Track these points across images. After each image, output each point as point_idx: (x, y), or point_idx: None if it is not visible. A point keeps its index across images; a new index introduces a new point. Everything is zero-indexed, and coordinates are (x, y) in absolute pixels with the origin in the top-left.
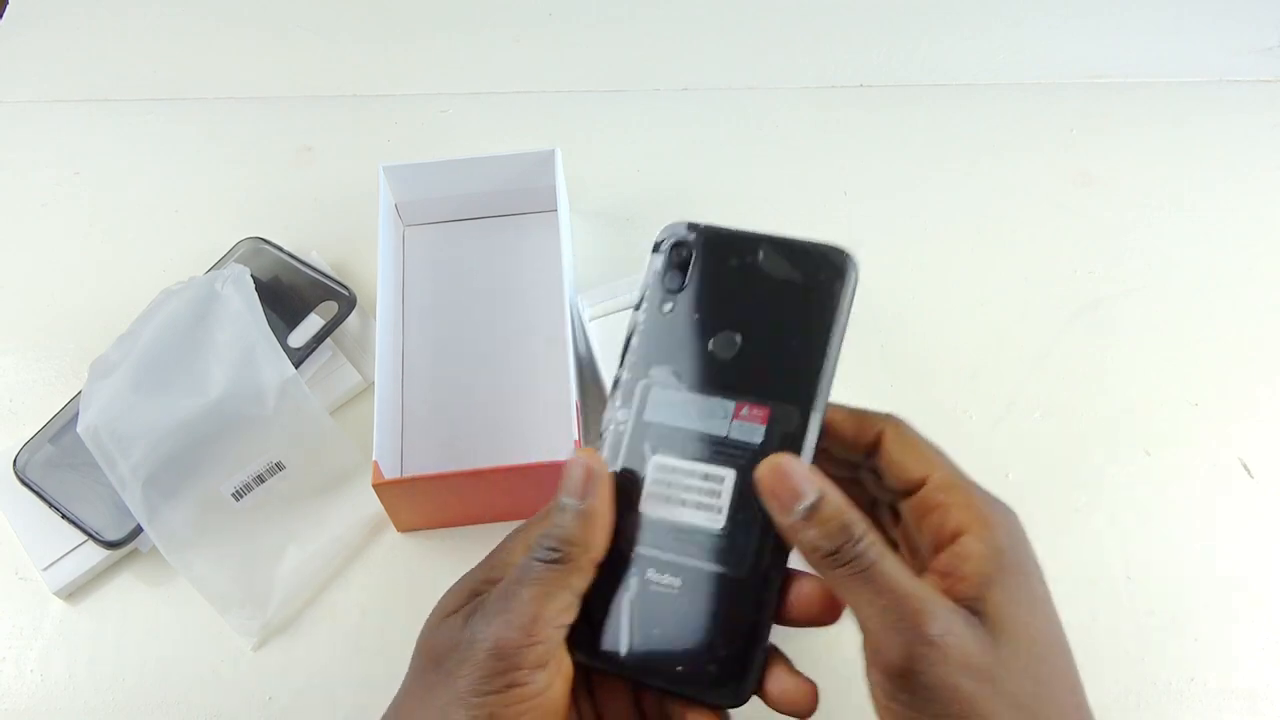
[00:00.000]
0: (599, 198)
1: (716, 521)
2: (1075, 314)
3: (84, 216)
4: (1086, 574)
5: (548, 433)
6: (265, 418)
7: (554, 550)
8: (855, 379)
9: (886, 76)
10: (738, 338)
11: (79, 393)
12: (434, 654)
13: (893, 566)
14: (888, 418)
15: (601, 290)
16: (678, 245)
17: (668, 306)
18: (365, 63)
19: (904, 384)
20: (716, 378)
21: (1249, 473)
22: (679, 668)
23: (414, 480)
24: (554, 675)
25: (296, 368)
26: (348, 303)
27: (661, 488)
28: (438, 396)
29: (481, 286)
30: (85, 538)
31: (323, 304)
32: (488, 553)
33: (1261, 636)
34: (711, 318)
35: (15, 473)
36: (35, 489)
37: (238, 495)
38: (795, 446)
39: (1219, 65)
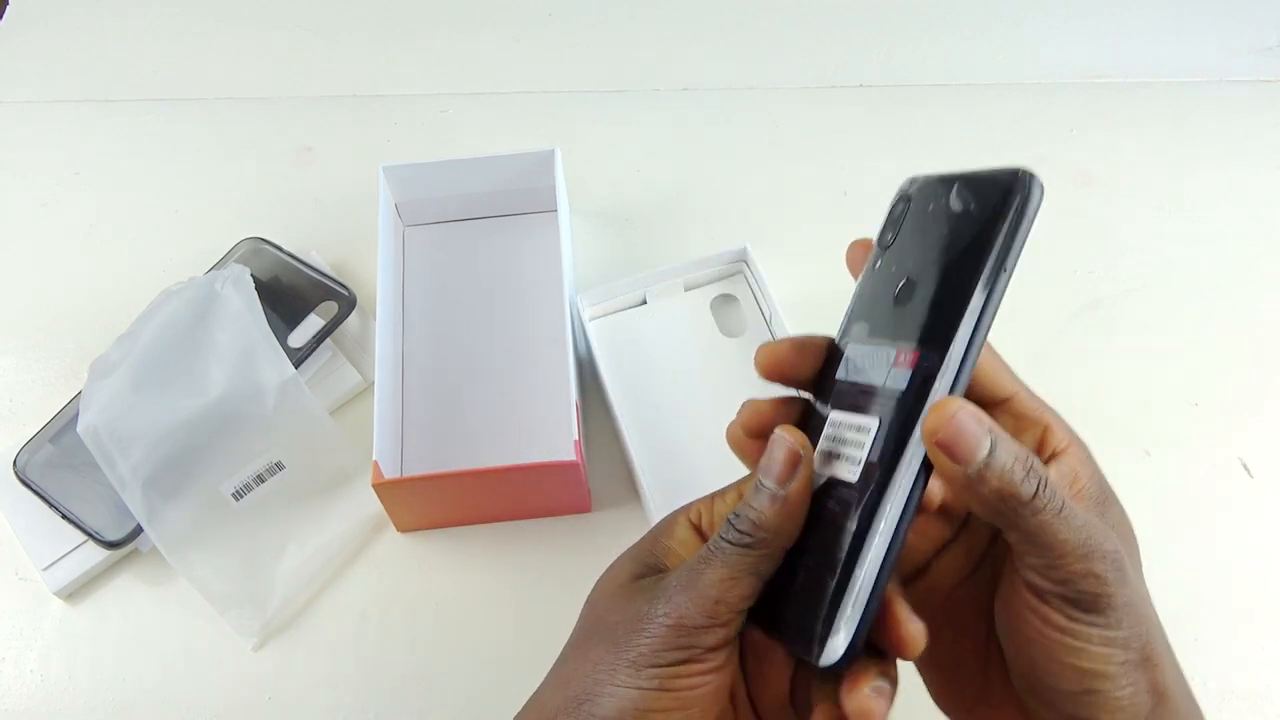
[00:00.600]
0: (599, 198)
1: (853, 474)
2: (1075, 314)
3: (84, 216)
4: None
5: (547, 433)
6: (265, 418)
7: (746, 535)
8: None
9: (886, 76)
10: (913, 281)
11: (79, 393)
12: (605, 623)
13: (1071, 500)
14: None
15: (601, 290)
16: (899, 200)
17: (879, 263)
18: (365, 63)
19: None
20: (888, 326)
21: (1249, 473)
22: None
23: (414, 480)
24: (730, 657)
25: (296, 368)
26: (348, 303)
27: (827, 443)
28: (438, 396)
29: (481, 286)
30: (85, 538)
31: (323, 304)
32: (494, 550)
33: (1262, 637)
34: (899, 265)
35: (15, 473)
36: (35, 489)
37: (238, 495)
38: (933, 389)
39: (1219, 65)
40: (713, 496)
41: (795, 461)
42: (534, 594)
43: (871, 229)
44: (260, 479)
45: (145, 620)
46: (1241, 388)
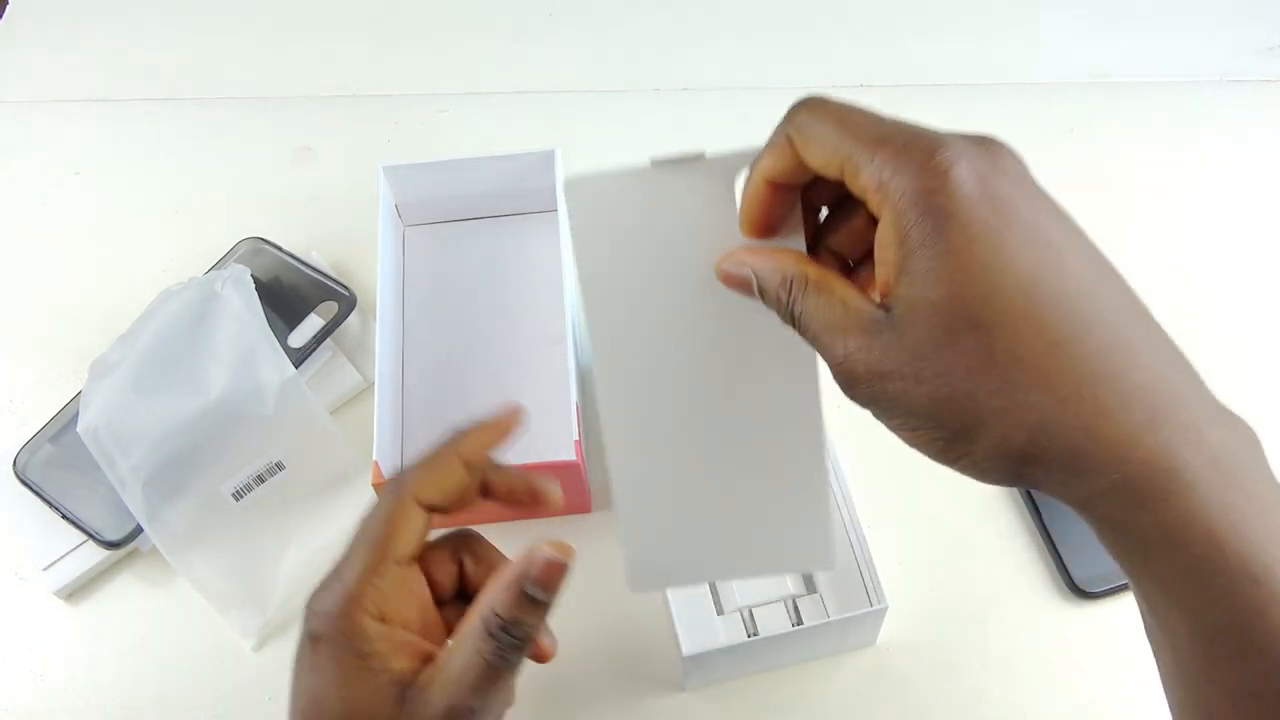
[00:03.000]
0: None
1: None
2: None
3: (84, 216)
4: None
5: (548, 433)
6: (265, 418)
7: (521, 642)
8: None
9: (886, 76)
10: None
11: (79, 393)
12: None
13: (815, 307)
14: (796, 110)
15: None
16: None
17: None
18: (365, 63)
19: None
20: None
21: None
22: None
23: None
24: None
25: (296, 368)
26: (348, 303)
27: None
28: (438, 396)
29: (481, 286)
30: (85, 538)
31: (323, 304)
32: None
33: None
34: None
35: (15, 473)
36: (35, 489)
37: (238, 495)
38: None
39: (1219, 65)
40: (361, 583)
41: (563, 570)
42: None
43: None
44: (260, 479)
45: (145, 620)
46: (1242, 388)
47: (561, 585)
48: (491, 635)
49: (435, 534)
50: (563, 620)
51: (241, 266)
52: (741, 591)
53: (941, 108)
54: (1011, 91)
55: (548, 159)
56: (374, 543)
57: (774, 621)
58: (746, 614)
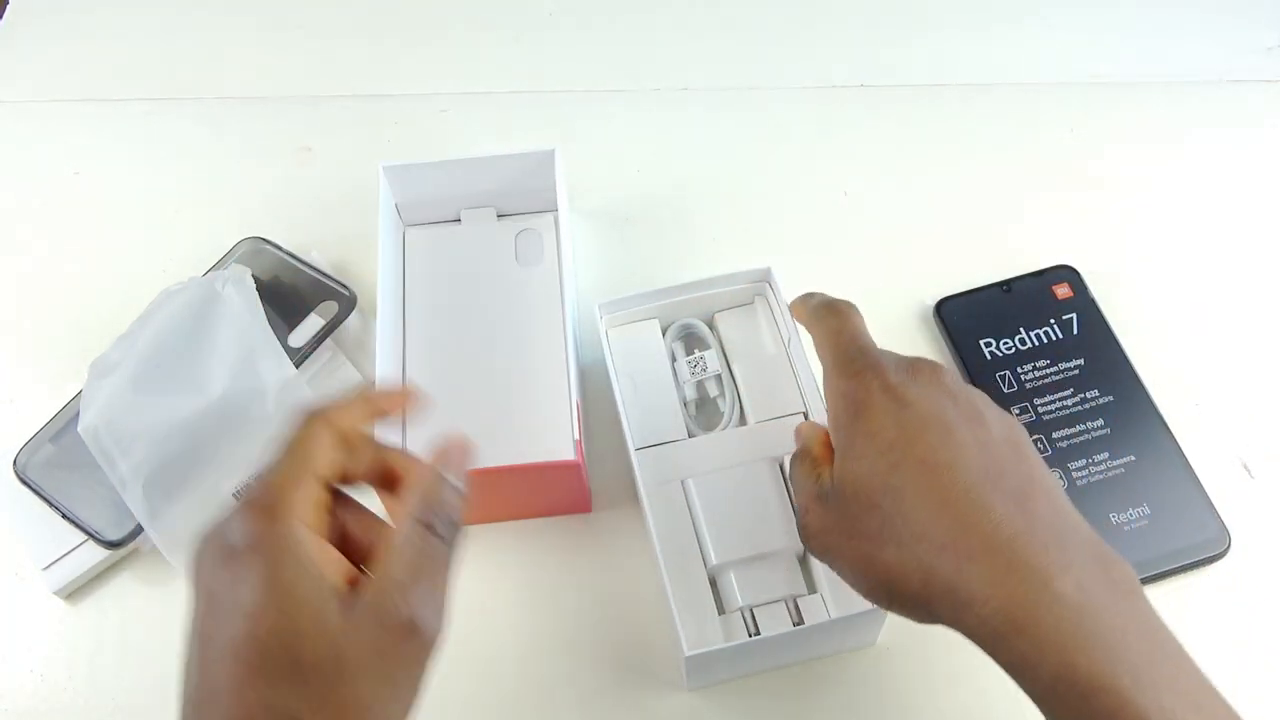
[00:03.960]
0: (599, 198)
1: None
2: None
3: (84, 216)
4: None
5: (548, 433)
6: (266, 418)
7: (454, 528)
8: None
9: (886, 76)
10: None
11: (79, 393)
12: (324, 658)
13: (797, 471)
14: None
15: (618, 301)
16: None
17: None
18: (365, 63)
19: None
20: None
21: (1249, 473)
22: None
23: None
24: None
25: (297, 368)
26: (348, 303)
27: None
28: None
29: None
30: (85, 538)
31: (323, 304)
32: (493, 551)
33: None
34: None
35: (15, 473)
36: (35, 489)
37: (238, 495)
38: None
39: (1219, 65)
40: (286, 490)
41: (470, 458)
42: (534, 595)
43: (871, 228)
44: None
45: (145, 620)
46: (1241, 388)
47: (467, 470)
48: (425, 526)
49: None
50: (564, 620)
51: (242, 267)
52: (743, 592)
53: (941, 108)
54: (1011, 91)
55: (547, 159)
56: (297, 456)
57: (775, 621)
58: (748, 614)
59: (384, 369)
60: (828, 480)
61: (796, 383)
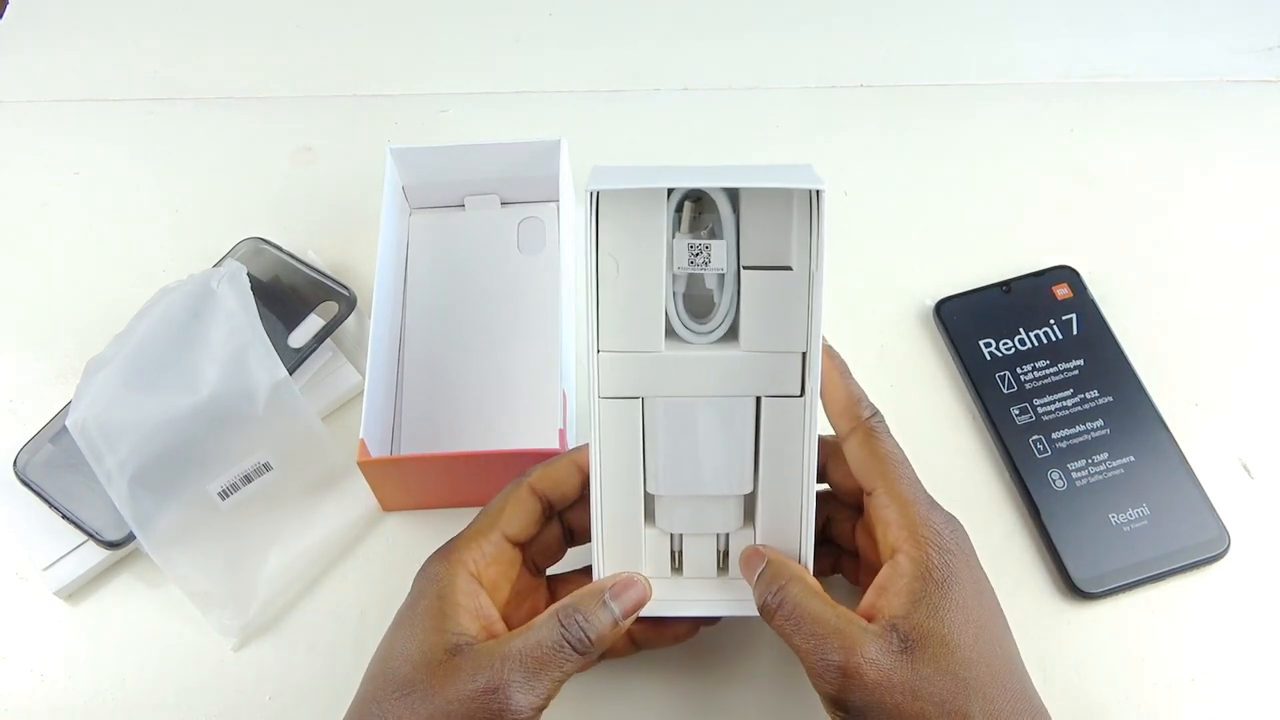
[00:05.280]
0: None
1: None
2: None
3: (84, 216)
4: None
5: (535, 419)
6: (255, 418)
7: (589, 644)
8: (855, 378)
9: (886, 76)
10: None
11: None
12: (429, 697)
13: (815, 605)
14: (862, 422)
15: (621, 170)
16: None
17: None
18: (365, 63)
19: (903, 385)
20: None
21: (1249, 473)
22: None
23: (396, 461)
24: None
25: (297, 368)
26: (348, 303)
27: None
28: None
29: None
30: (85, 538)
31: (323, 304)
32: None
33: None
34: None
35: (15, 473)
36: (35, 489)
37: (224, 494)
38: None
39: (1220, 65)
40: (469, 541)
41: (642, 603)
42: None
43: (870, 227)
44: (247, 479)
45: (145, 620)
46: (1241, 388)
47: (634, 612)
48: (560, 622)
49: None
50: None
51: (238, 263)
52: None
53: (941, 108)
54: (1011, 91)
55: (553, 149)
56: (488, 514)
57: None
58: (676, 540)
59: (378, 351)
60: (883, 628)
61: (808, 317)
